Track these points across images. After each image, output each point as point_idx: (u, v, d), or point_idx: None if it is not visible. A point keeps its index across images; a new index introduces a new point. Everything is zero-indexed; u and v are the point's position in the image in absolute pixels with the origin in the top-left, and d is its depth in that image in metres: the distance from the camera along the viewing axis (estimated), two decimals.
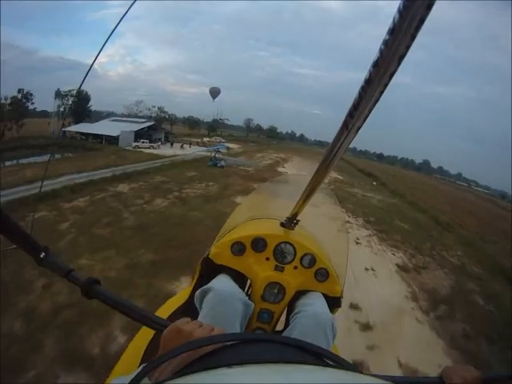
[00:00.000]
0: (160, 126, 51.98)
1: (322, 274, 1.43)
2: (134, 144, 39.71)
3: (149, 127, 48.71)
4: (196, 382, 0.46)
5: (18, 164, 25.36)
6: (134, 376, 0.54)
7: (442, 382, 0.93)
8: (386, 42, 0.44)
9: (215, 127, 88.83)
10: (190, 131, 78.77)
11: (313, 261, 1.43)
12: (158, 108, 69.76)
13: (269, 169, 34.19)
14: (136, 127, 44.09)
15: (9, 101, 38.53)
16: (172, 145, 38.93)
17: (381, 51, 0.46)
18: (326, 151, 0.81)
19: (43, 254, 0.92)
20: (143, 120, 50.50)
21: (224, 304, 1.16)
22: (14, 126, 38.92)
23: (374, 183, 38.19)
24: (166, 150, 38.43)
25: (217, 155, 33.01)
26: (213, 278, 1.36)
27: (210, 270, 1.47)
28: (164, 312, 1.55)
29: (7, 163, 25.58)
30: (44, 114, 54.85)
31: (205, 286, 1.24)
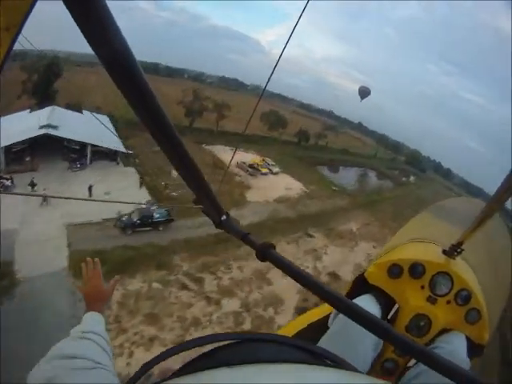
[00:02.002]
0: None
1: (474, 315, 1.35)
2: None
3: None
4: (196, 381, 0.46)
5: None
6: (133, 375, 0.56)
7: None
8: None
9: (305, 138, 56.27)
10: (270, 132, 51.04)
11: (468, 298, 1.35)
12: None
13: None
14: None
15: None
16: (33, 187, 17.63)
17: None
18: (509, 174, 0.80)
19: (224, 217, 0.98)
20: None
21: (353, 326, 1.10)
22: None
23: None
24: None
25: None
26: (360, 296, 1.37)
27: (362, 287, 1.46)
28: (308, 318, 1.62)
29: None
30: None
31: None
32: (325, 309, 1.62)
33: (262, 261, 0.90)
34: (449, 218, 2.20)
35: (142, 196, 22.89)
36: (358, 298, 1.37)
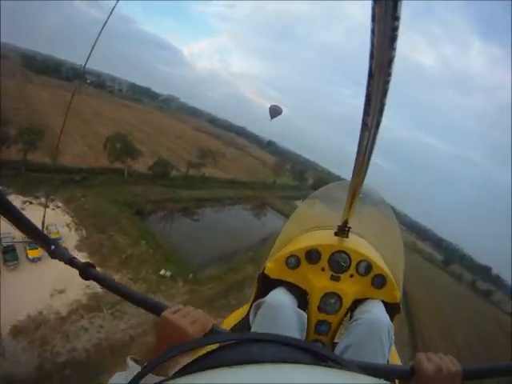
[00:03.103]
0: None
1: (379, 281, 1.44)
2: None
3: None
4: (196, 381, 0.47)
5: None
6: (134, 375, 0.57)
7: (412, 371, 0.83)
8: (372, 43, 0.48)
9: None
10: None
11: (369, 267, 1.44)
12: None
13: None
14: None
15: None
16: None
17: (372, 49, 0.50)
18: (357, 153, 0.84)
19: (53, 246, 1.06)
20: None
21: (275, 315, 1.18)
22: None
23: None
24: None
25: None
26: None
27: (268, 284, 1.49)
28: (228, 324, 1.61)
29: None
30: None
31: (258, 300, 1.32)
32: (246, 308, 1.60)
33: (85, 279, 0.95)
34: (330, 202, 2.23)
35: None
36: (271, 293, 1.38)
